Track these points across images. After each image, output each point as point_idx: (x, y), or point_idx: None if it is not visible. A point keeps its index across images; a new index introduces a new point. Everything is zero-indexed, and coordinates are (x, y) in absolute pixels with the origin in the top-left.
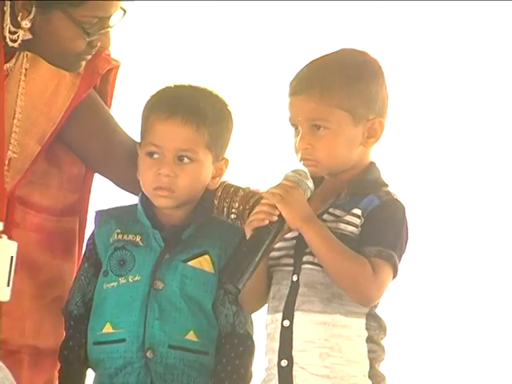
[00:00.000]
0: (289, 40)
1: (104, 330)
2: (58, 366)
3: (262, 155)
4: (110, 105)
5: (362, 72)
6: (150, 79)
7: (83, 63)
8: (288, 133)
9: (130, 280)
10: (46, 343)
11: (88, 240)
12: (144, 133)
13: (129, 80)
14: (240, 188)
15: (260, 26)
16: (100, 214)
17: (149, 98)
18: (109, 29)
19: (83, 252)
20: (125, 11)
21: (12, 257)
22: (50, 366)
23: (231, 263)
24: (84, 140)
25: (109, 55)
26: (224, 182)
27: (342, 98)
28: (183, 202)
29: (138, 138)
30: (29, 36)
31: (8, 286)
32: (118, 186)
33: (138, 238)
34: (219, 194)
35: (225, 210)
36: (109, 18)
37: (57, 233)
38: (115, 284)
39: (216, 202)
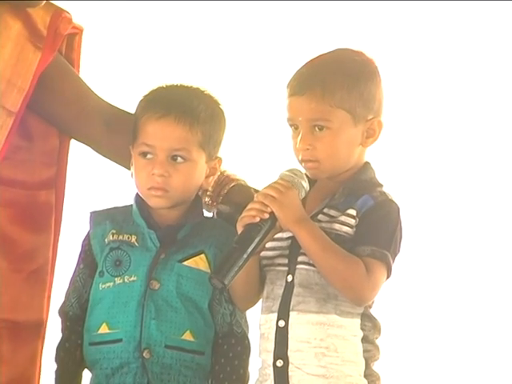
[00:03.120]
0: (283, 40)
1: (100, 331)
2: (42, 338)
3: (256, 154)
4: (78, 72)
5: (361, 72)
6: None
7: None
8: (283, 131)
9: (126, 280)
10: (25, 316)
11: (83, 241)
12: (137, 133)
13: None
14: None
15: (253, 27)
16: (95, 215)
17: (141, 98)
18: None
19: (79, 253)
20: None
21: None
22: (32, 339)
23: (220, 258)
24: (56, 106)
25: (70, 18)
26: None
27: (343, 98)
28: (177, 201)
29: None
30: None
31: None
32: (98, 152)
33: (133, 239)
34: None
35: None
36: None
37: (31, 207)
38: (111, 284)
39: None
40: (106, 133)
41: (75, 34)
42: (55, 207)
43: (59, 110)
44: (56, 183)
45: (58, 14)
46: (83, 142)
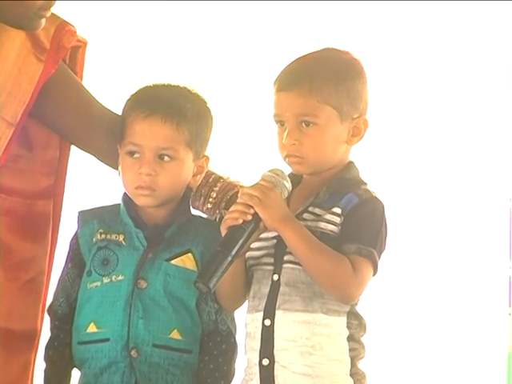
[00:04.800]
0: (269, 40)
1: (88, 330)
2: (35, 348)
3: (243, 152)
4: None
5: (349, 70)
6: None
7: (43, 21)
8: (270, 130)
9: (113, 279)
10: (19, 326)
11: (71, 241)
12: (124, 132)
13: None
14: (221, 178)
15: (240, 27)
16: (82, 214)
17: (128, 97)
18: None
19: (67, 252)
20: None
21: None
22: (26, 348)
23: (205, 262)
24: (60, 114)
25: (74, 31)
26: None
27: (330, 95)
28: (165, 200)
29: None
30: None
31: None
32: (100, 160)
33: (121, 238)
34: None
35: (202, 198)
36: None
37: (29, 216)
38: (99, 284)
39: (193, 189)
40: (109, 141)
41: (79, 47)
42: (53, 217)
43: (63, 118)
44: (54, 193)
45: (62, 27)
46: (86, 151)
